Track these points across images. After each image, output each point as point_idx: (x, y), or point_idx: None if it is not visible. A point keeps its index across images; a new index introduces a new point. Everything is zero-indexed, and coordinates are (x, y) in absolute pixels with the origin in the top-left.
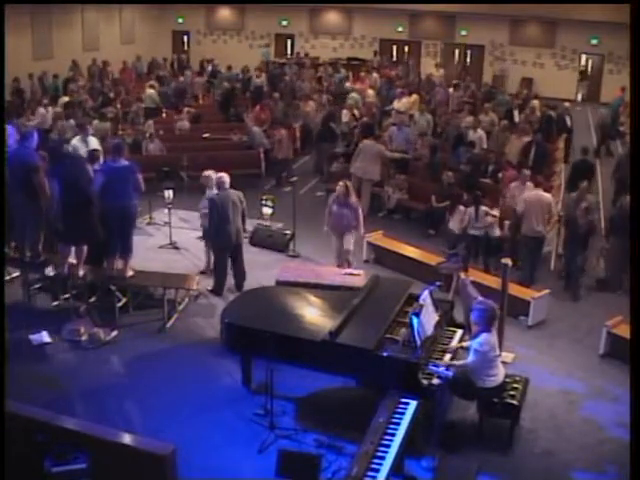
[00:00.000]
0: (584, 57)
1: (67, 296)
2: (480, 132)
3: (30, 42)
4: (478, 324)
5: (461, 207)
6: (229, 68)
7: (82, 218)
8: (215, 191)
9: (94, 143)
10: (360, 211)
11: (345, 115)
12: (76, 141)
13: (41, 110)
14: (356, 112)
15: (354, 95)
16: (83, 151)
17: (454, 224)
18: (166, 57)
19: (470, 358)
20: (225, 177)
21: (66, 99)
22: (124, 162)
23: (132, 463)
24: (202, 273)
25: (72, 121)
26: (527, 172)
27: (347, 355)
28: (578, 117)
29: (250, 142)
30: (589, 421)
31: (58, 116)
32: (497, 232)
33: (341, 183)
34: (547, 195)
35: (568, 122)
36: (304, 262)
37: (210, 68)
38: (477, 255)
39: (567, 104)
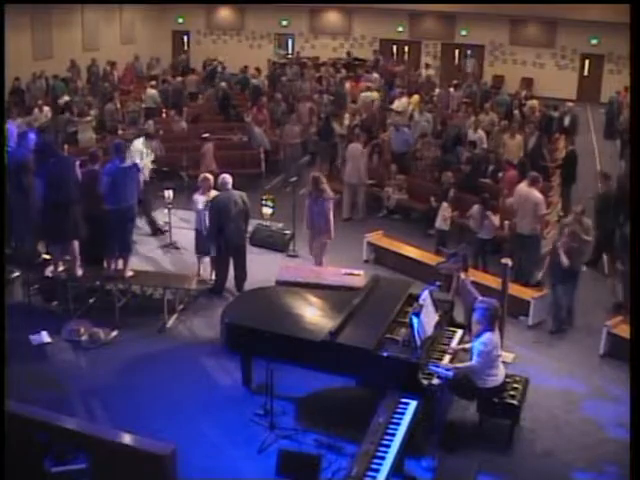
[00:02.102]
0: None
1: (67, 296)
2: (480, 132)
3: (30, 42)
4: (481, 323)
5: (444, 204)
6: (224, 68)
7: (62, 216)
8: (200, 195)
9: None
10: (331, 208)
11: (347, 118)
12: (139, 144)
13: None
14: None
15: (369, 94)
16: (144, 153)
17: (439, 222)
18: (159, 57)
19: (475, 359)
20: (227, 178)
21: (67, 98)
22: (127, 162)
23: (132, 463)
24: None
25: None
26: (534, 173)
27: (347, 355)
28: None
29: (250, 142)
30: (589, 421)
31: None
32: (489, 235)
33: (312, 175)
34: (537, 194)
35: (565, 122)
36: (304, 262)
37: (208, 68)
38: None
39: (571, 104)
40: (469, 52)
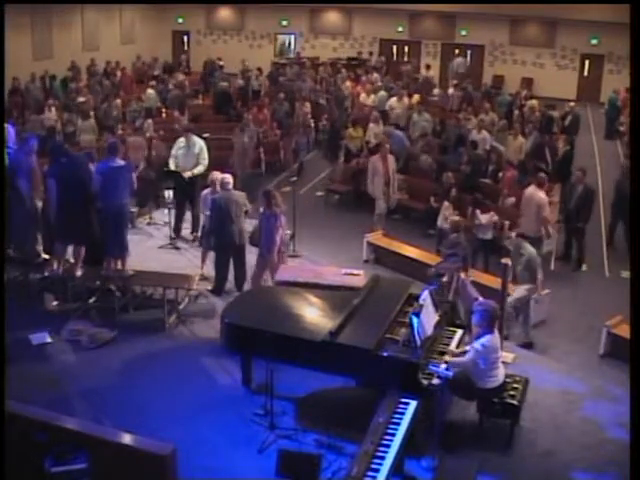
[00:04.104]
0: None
1: (67, 296)
2: (485, 133)
3: (30, 42)
4: (480, 325)
5: (446, 203)
6: (222, 67)
7: (79, 217)
8: (210, 193)
9: (199, 146)
10: (278, 226)
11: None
12: (181, 143)
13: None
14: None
15: (383, 93)
16: (183, 153)
17: (441, 221)
18: (157, 57)
19: (468, 356)
20: (229, 178)
21: (82, 99)
22: (120, 161)
23: (132, 463)
24: (204, 279)
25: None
26: (543, 175)
27: (347, 355)
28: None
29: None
30: (589, 421)
31: None
32: (488, 235)
33: (264, 190)
34: (541, 195)
35: (567, 122)
36: (304, 262)
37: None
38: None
39: (573, 104)
40: (459, 52)
